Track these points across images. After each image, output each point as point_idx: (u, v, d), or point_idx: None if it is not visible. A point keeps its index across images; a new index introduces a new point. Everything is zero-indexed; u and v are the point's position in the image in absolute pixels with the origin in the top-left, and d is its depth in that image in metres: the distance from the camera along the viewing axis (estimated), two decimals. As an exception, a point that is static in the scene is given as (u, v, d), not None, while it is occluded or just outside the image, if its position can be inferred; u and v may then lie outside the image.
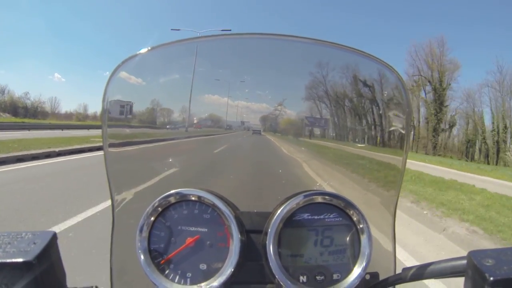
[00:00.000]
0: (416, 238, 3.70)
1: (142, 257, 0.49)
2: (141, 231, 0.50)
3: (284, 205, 0.51)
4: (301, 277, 0.49)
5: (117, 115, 0.62)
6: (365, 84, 0.67)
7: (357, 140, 0.77)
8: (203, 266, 0.50)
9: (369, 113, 0.72)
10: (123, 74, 0.55)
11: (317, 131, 0.76)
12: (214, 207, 0.51)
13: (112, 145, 0.58)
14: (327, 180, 0.75)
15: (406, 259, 2.95)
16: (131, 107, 0.66)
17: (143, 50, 0.54)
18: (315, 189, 0.56)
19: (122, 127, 0.65)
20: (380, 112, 0.70)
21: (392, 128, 0.66)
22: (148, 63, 0.59)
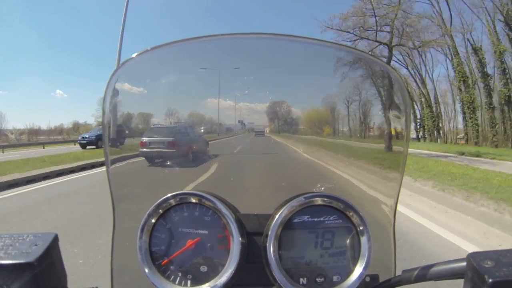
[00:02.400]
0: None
1: (143, 259, 0.49)
2: (141, 233, 0.50)
3: (284, 207, 0.51)
4: (301, 279, 0.49)
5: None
6: (363, 81, 0.67)
7: (358, 137, 0.77)
8: (203, 268, 0.50)
9: (369, 111, 0.72)
10: (120, 79, 0.55)
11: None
12: (214, 209, 0.51)
13: (112, 146, 0.59)
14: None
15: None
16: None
17: (140, 53, 0.53)
18: (315, 191, 0.56)
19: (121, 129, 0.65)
20: (380, 110, 0.70)
21: (392, 126, 0.66)
22: (145, 66, 0.59)
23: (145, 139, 0.52)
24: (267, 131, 0.90)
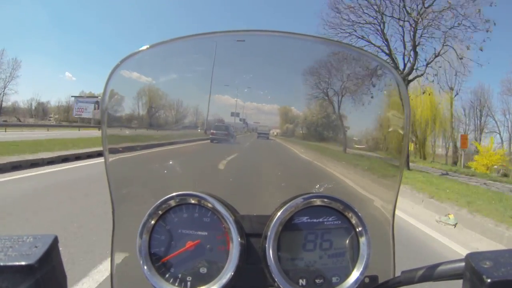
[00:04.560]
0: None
1: (142, 260, 0.49)
2: (141, 234, 0.50)
3: (283, 208, 0.51)
4: (300, 281, 0.49)
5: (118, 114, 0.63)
6: (364, 82, 0.67)
7: (356, 140, 0.76)
8: (203, 270, 0.50)
9: (369, 113, 0.72)
10: (124, 72, 0.55)
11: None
12: (214, 210, 0.51)
13: (112, 147, 0.58)
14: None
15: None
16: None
17: (144, 47, 0.53)
18: (314, 191, 0.56)
19: (122, 127, 0.65)
20: (379, 112, 0.70)
21: (391, 128, 0.66)
22: (150, 61, 0.59)
23: (213, 131, 0.83)
24: (275, 134, 0.89)
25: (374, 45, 12.87)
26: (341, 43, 0.55)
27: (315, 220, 0.52)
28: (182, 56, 0.63)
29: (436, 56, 11.88)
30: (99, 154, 8.47)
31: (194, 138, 0.85)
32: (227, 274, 0.48)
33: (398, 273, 0.46)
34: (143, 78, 0.63)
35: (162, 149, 0.77)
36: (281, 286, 0.47)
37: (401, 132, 0.60)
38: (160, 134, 0.80)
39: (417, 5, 11.75)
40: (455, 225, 4.34)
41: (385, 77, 0.61)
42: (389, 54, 12.33)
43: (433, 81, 12.61)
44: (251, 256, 0.52)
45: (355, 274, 0.49)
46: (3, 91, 36.80)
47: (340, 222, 0.52)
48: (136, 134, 0.72)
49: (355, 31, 13.11)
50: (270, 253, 0.48)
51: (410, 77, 12.06)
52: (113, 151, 0.58)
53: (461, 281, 0.34)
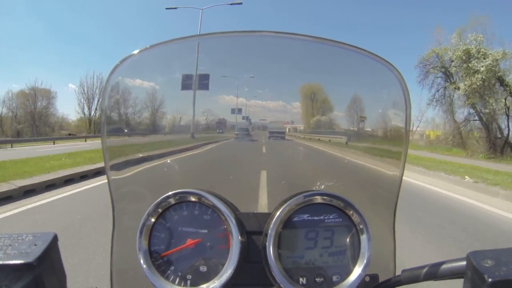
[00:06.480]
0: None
1: (142, 258, 0.49)
2: (141, 232, 0.50)
3: (284, 206, 0.51)
4: (301, 279, 0.49)
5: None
6: (365, 81, 0.67)
7: (358, 138, 0.76)
8: (203, 268, 0.50)
9: (369, 111, 0.72)
10: (122, 75, 0.55)
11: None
12: (214, 208, 0.51)
13: (111, 147, 0.58)
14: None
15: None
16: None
17: (142, 49, 0.53)
18: (314, 189, 0.56)
19: (122, 134, 0.65)
20: (380, 110, 0.69)
21: (392, 126, 0.65)
22: (148, 63, 0.59)
23: (237, 132, 0.87)
24: (288, 131, 0.89)
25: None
26: (342, 43, 0.54)
27: (315, 218, 0.51)
28: (182, 57, 0.62)
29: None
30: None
31: (199, 144, 0.86)
32: (227, 272, 0.48)
33: (398, 272, 0.46)
34: (141, 80, 0.62)
35: (162, 154, 0.76)
36: (281, 284, 0.47)
37: (401, 129, 0.60)
38: (159, 139, 0.79)
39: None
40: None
41: (386, 76, 0.61)
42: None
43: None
44: (251, 254, 0.52)
45: (355, 273, 0.49)
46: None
47: (341, 220, 0.51)
48: (135, 140, 0.71)
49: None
50: (271, 251, 0.48)
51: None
52: (112, 150, 0.58)
53: (461, 280, 0.34)
